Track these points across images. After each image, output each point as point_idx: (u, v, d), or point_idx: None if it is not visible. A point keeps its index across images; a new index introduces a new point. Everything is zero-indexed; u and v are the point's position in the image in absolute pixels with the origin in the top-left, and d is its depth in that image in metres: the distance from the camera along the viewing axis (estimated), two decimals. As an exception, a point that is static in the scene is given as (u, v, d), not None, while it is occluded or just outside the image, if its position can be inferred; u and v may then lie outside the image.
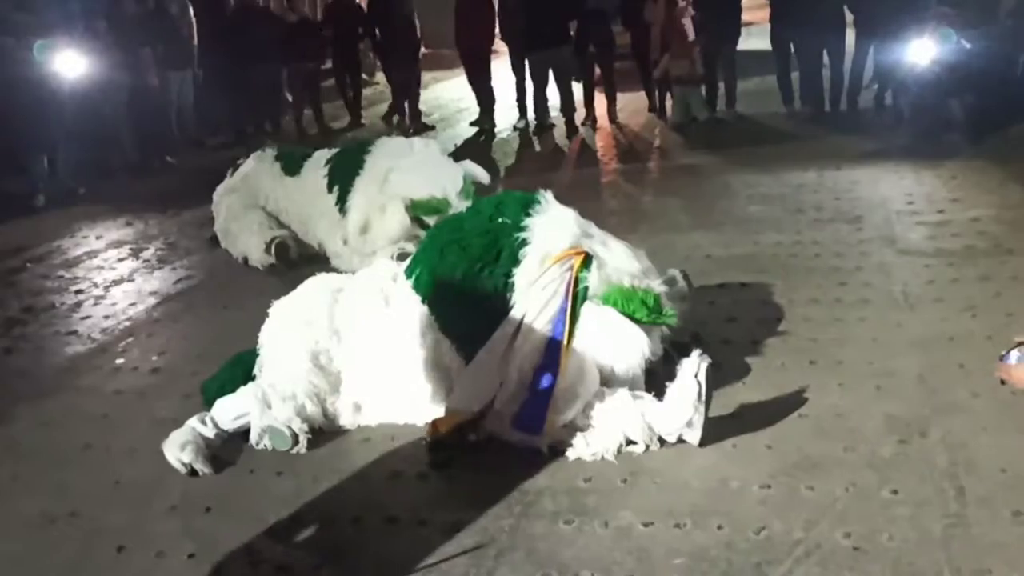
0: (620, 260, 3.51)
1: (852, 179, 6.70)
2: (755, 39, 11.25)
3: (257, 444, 3.52)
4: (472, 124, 10.77)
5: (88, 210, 7.95)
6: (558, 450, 3.24)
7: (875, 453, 3.07)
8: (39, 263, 6.52)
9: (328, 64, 11.60)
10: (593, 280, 3.37)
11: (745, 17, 10.58)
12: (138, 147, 9.77)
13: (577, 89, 10.07)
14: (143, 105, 9.65)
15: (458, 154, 8.85)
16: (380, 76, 15.63)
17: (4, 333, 5.19)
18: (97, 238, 7.09)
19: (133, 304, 5.48)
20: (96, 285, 5.91)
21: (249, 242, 5.98)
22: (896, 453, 3.06)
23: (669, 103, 10.19)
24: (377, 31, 10.88)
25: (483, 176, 5.61)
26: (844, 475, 2.96)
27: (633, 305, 3.34)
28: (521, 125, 10.49)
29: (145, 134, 9.79)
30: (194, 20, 10.46)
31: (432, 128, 10.74)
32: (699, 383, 3.08)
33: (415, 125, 10.77)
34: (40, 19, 8.36)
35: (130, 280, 5.98)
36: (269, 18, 11.34)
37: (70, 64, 8.30)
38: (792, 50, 9.48)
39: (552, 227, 3.53)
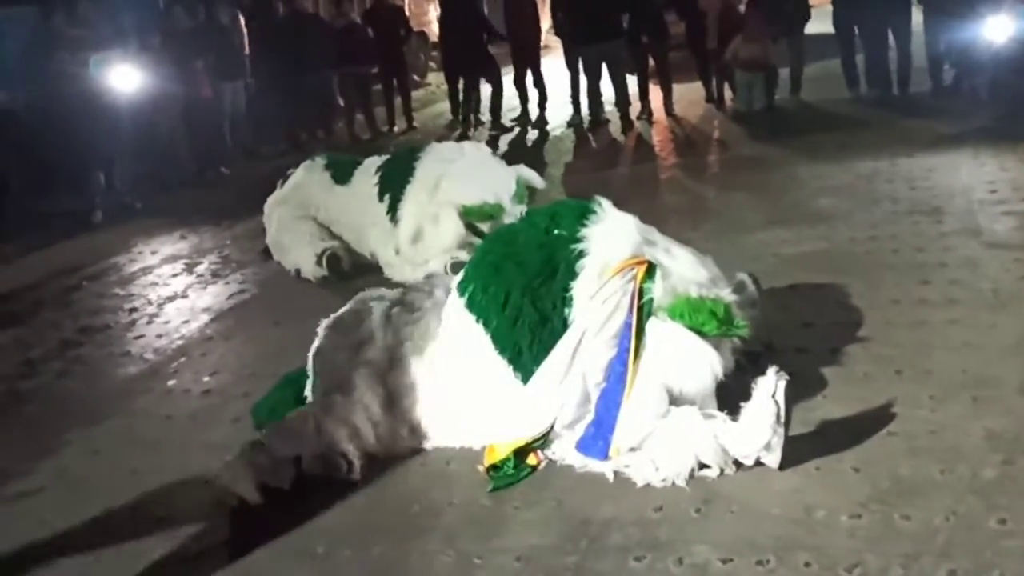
0: (686, 268, 3.27)
1: (928, 166, 6.32)
2: (815, 22, 10.82)
3: (310, 471, 3.36)
4: (512, 121, 10.59)
5: (144, 225, 7.96)
6: (625, 476, 3.02)
7: (977, 475, 2.78)
8: (95, 281, 6.52)
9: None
10: (658, 291, 3.14)
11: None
12: (193, 159, 9.80)
13: (631, 82, 9.80)
14: (197, 117, 9.68)
15: (512, 153, 8.71)
16: (432, 77, 15.65)
17: (59, 355, 5.15)
18: (152, 253, 7.07)
19: (186, 322, 5.41)
20: (150, 303, 5.86)
21: (301, 254, 5.88)
22: (1001, 475, 2.77)
23: (728, 93, 9.87)
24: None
25: (538, 181, 5.42)
26: (944, 502, 2.68)
27: (702, 317, 3.10)
28: (575, 121, 10.25)
29: (200, 146, 9.81)
30: (245, 29, 10.47)
31: (510, 129, 10.55)
32: (777, 403, 2.83)
33: (496, 126, 10.60)
34: (94, 34, 8.41)
35: (184, 296, 5.92)
36: (319, 24, 11.32)
37: (125, 79, 8.32)
38: (856, 32, 9.09)
39: (611, 236, 3.30)
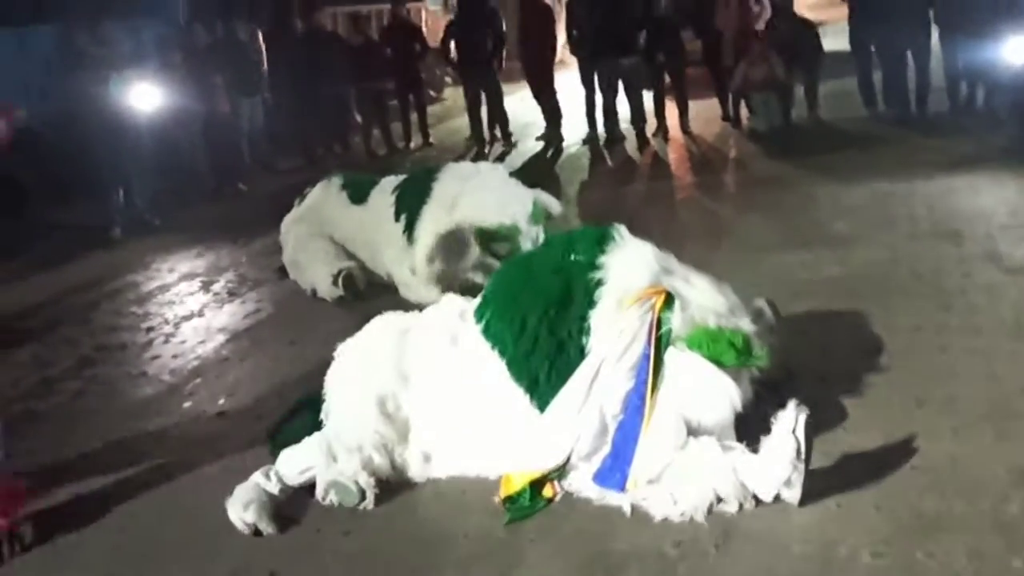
0: (705, 298, 3.24)
1: (947, 188, 6.28)
2: (831, 39, 10.81)
3: (323, 499, 3.35)
4: (538, 139, 10.58)
5: (162, 241, 7.99)
6: (642, 509, 2.99)
7: (1000, 512, 2.74)
8: (113, 298, 6.53)
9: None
10: (676, 322, 3.12)
11: (819, 15, 10.25)
12: (211, 175, 9.85)
13: (647, 99, 9.80)
14: (216, 133, 9.74)
15: (527, 170, 8.71)
16: (448, 92, 15.71)
17: (77, 374, 5.16)
18: (170, 271, 7.09)
19: (202, 342, 5.41)
20: (167, 321, 5.87)
21: (317, 273, 5.88)
22: (1025, 513, 2.73)
23: (744, 112, 9.85)
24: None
25: (555, 207, 5.40)
26: (967, 539, 2.64)
27: (720, 348, 3.08)
28: (591, 138, 10.24)
29: (218, 162, 9.87)
30: (263, 45, 10.53)
31: (514, 145, 10.58)
32: (797, 439, 2.80)
33: (506, 143, 10.61)
34: (116, 53, 8.47)
35: (200, 315, 5.92)
36: (336, 41, 11.38)
37: (146, 98, 8.38)
38: (873, 50, 9.06)
39: (629, 264, 3.28)
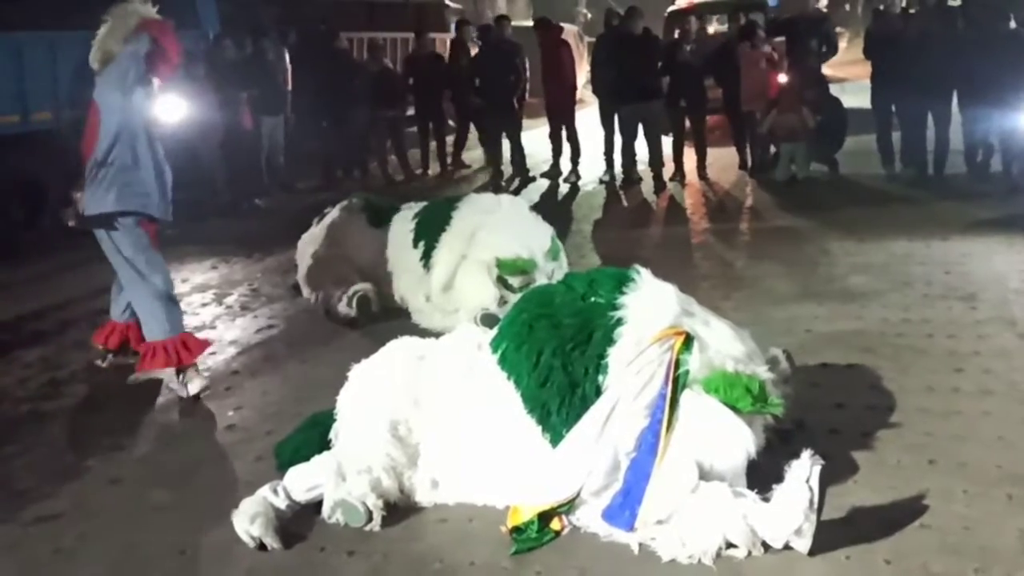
0: (723, 342, 3.25)
1: (962, 251, 6.30)
2: (851, 96, 10.92)
3: (329, 518, 3.33)
4: (543, 175, 10.69)
5: (177, 252, 7.98)
6: (650, 549, 2.97)
7: (1012, 578, 2.73)
8: (125, 306, 6.54)
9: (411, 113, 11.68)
10: (694, 364, 3.13)
11: (840, 73, 10.34)
12: (229, 189, 9.92)
13: (666, 143, 9.89)
14: (236, 148, 9.82)
15: (543, 207, 8.74)
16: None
17: (85, 378, 5.16)
18: (183, 281, 7.10)
19: (213, 354, 5.40)
20: (178, 331, 5.88)
21: (330, 293, 5.90)
22: (1036, 580, 2.72)
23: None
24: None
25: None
26: (978, 603, 2.63)
27: (737, 393, 3.08)
28: (607, 178, 10.33)
29: (236, 176, 9.94)
30: (289, 67, 10.66)
31: (532, 180, 10.66)
32: (811, 489, 2.80)
33: (522, 178, 10.69)
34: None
35: (212, 327, 5.93)
36: (361, 66, 11.54)
37: (169, 107, 8.44)
38: (893, 110, 9.14)
39: (650, 305, 3.30)
